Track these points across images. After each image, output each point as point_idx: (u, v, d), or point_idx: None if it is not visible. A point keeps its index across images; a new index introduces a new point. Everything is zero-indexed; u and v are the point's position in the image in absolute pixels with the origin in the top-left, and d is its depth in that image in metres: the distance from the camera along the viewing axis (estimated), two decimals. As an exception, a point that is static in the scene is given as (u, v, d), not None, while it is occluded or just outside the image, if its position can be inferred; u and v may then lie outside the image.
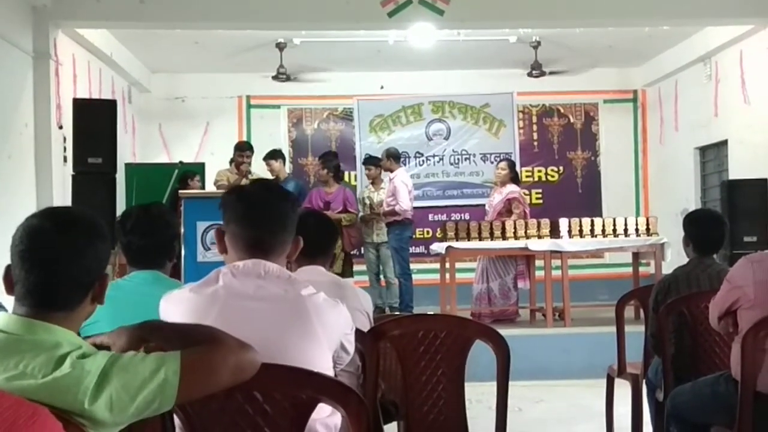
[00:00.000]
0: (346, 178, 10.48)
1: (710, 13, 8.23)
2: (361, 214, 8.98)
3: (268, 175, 9.04)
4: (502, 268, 8.22)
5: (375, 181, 8.99)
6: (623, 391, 4.53)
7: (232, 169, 8.59)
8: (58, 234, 1.69)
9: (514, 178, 8.52)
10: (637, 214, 10.43)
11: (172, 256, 3.00)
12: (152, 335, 1.80)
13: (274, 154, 9.04)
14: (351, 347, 2.37)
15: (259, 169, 9.04)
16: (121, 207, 7.58)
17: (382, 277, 8.99)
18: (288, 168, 9.58)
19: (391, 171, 8.80)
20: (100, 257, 1.75)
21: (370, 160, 9.13)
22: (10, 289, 1.71)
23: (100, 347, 1.76)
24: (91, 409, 1.56)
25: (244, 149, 8.68)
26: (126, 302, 2.63)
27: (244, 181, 8.10)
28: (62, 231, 1.70)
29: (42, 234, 1.68)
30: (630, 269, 8.49)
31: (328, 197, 8.58)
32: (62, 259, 1.68)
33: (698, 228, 4.11)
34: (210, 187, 8.86)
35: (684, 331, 3.96)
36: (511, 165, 8.68)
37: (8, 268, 1.71)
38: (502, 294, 8.20)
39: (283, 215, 2.29)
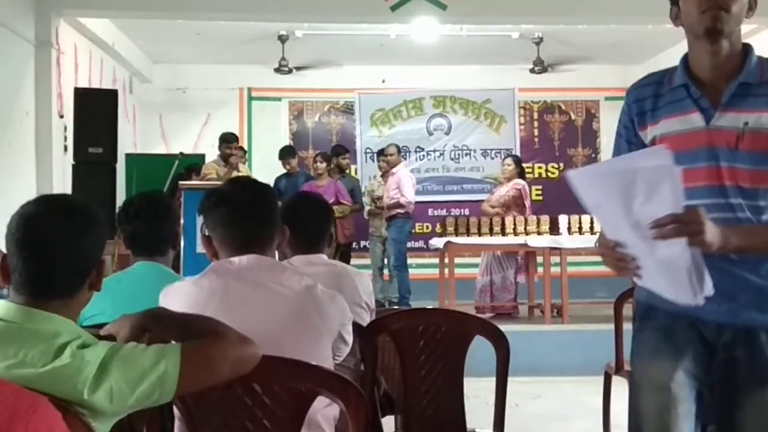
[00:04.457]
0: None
1: (713, 11, 8.20)
2: (368, 207, 9.00)
3: (271, 168, 9.08)
4: (504, 262, 8.24)
5: (385, 175, 8.99)
6: (621, 388, 4.53)
7: (219, 161, 8.32)
8: (55, 220, 1.69)
9: (521, 174, 8.54)
10: (637, 212, 10.43)
11: (175, 243, 3.00)
12: (154, 325, 1.79)
13: (292, 151, 9.24)
14: (349, 337, 2.38)
15: (259, 164, 9.04)
16: (121, 197, 7.58)
17: (386, 271, 9.01)
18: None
19: (396, 165, 8.85)
20: (97, 243, 1.75)
21: (384, 152, 9.13)
22: (6, 278, 1.70)
23: (106, 338, 1.75)
24: (90, 399, 1.56)
25: (231, 141, 8.39)
26: (127, 295, 2.63)
27: (234, 173, 7.98)
28: (59, 217, 1.69)
29: (38, 221, 1.68)
30: (629, 267, 8.48)
31: (319, 190, 8.56)
32: (59, 246, 1.67)
33: None
34: (208, 181, 8.83)
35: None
36: (517, 161, 8.70)
37: (4, 257, 1.71)
38: (503, 287, 8.22)
39: (266, 209, 2.30)
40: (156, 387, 1.62)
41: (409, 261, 8.95)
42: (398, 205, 8.60)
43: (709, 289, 1.83)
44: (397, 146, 9.10)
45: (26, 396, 1.32)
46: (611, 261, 1.94)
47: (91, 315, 2.68)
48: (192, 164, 8.46)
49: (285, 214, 2.96)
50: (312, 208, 3.13)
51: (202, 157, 9.60)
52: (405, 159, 10.03)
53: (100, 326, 1.91)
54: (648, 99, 2.12)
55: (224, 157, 8.29)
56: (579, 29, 9.20)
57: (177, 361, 1.64)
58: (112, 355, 1.61)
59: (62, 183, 7.39)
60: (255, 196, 2.31)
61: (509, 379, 3.04)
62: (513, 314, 8.33)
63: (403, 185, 8.61)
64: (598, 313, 7.78)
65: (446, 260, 7.90)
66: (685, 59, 2.14)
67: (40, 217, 1.68)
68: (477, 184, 10.87)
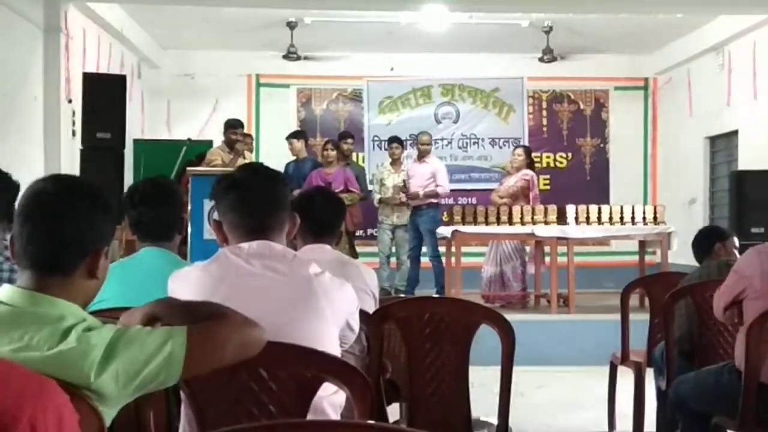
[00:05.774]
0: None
1: (724, 1, 8.18)
2: (378, 195, 8.91)
3: (278, 155, 9.05)
4: (513, 253, 8.23)
5: (395, 162, 8.95)
6: (626, 378, 4.53)
7: (224, 147, 8.20)
8: (59, 195, 1.70)
9: (530, 164, 8.51)
10: (645, 203, 10.39)
11: (181, 228, 3.00)
12: (162, 315, 1.79)
13: (297, 134, 9.16)
14: (356, 325, 2.38)
15: (266, 151, 9.00)
16: (128, 183, 7.59)
17: (394, 259, 8.98)
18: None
19: (428, 153, 8.81)
20: (98, 227, 1.74)
21: (397, 139, 9.09)
22: (15, 255, 1.71)
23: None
24: (96, 382, 1.56)
25: (236, 127, 8.26)
26: (133, 281, 2.63)
27: (240, 161, 7.94)
28: (63, 192, 1.71)
29: (43, 194, 1.70)
30: (636, 257, 8.47)
31: (328, 177, 8.53)
32: (59, 219, 1.68)
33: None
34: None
35: (689, 319, 3.96)
36: (528, 151, 8.65)
37: (13, 237, 1.72)
38: (515, 277, 8.22)
39: (277, 196, 2.30)
40: (162, 369, 1.62)
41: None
42: (435, 194, 8.59)
43: None
44: (430, 135, 9.06)
45: (34, 379, 1.33)
46: None
47: (98, 300, 2.69)
48: (201, 151, 8.43)
49: (299, 204, 3.00)
50: (327, 201, 3.21)
51: (210, 143, 9.58)
52: (412, 147, 10.00)
53: (106, 312, 1.92)
54: None
55: (229, 143, 8.18)
56: (589, 18, 9.15)
57: (183, 342, 1.64)
58: (118, 338, 1.61)
59: (70, 168, 7.40)
60: (266, 182, 2.31)
61: (515, 368, 3.04)
62: (523, 304, 8.30)
63: (440, 175, 8.63)
64: (604, 304, 7.77)
65: (453, 249, 7.89)
66: None
67: (46, 191, 1.70)
68: (485, 173, 10.85)
